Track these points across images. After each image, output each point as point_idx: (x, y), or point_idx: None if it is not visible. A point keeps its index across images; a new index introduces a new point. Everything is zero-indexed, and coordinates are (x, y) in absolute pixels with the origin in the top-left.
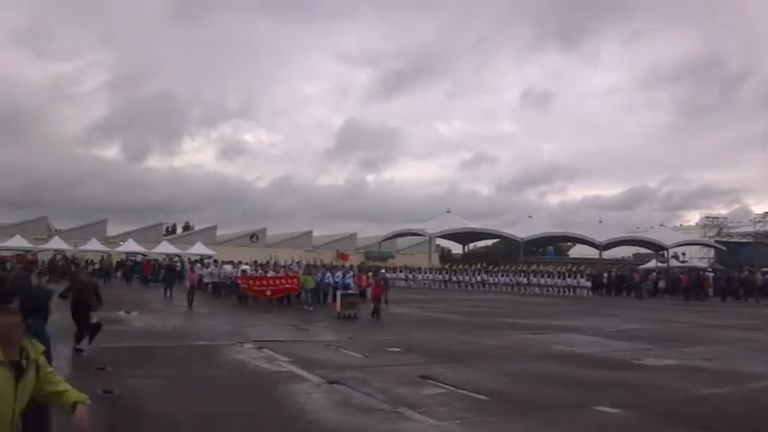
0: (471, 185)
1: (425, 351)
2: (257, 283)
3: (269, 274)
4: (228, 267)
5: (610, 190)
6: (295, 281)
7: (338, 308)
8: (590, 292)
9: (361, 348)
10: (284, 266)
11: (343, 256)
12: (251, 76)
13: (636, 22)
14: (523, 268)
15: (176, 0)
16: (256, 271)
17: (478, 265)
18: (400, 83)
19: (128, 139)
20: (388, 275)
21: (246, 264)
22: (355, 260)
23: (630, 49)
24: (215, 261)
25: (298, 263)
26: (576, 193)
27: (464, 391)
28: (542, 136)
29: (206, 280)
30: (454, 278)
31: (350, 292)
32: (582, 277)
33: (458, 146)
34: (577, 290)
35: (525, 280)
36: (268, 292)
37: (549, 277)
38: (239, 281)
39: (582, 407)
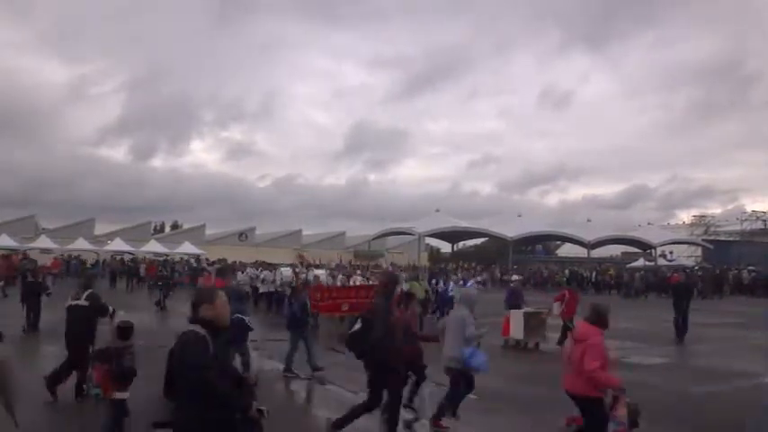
0: (476, 185)
1: None
2: (329, 294)
3: (356, 282)
4: (287, 272)
5: (610, 189)
6: None
7: (513, 332)
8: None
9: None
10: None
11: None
12: (261, 78)
13: (647, 26)
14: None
15: (209, 1)
16: (334, 278)
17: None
18: (410, 85)
19: (134, 139)
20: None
21: (323, 267)
22: (344, 259)
23: (640, 52)
24: (268, 265)
25: (393, 264)
26: (577, 192)
27: None
28: (546, 136)
29: (260, 289)
30: None
31: (532, 309)
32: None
33: (464, 147)
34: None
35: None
36: (345, 308)
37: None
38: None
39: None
